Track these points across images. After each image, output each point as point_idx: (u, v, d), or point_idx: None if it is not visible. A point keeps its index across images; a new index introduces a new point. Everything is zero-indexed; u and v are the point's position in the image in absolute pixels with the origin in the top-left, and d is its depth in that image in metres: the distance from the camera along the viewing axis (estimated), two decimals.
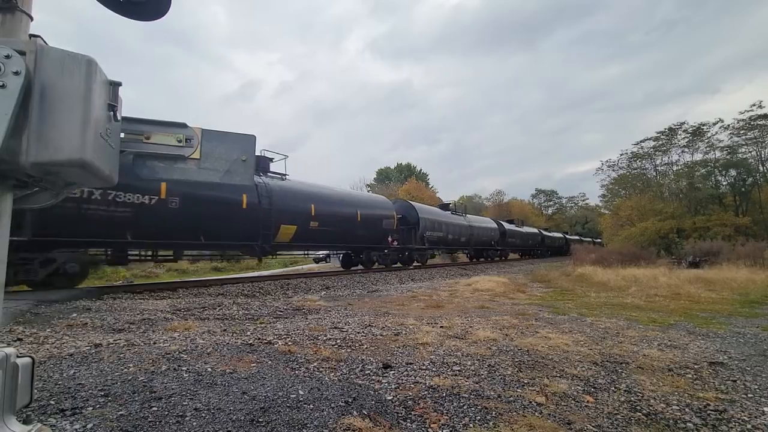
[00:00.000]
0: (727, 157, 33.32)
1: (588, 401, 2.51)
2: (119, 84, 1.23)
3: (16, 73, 1.02)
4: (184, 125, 1.55)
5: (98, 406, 2.25)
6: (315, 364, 3.15)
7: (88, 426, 1.99)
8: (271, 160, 12.22)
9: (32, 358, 1.22)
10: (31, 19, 1.22)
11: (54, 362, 3.08)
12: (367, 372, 2.98)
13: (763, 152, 32.63)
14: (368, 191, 43.38)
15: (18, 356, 1.17)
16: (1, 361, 1.09)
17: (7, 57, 1.02)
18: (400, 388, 2.65)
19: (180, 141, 1.53)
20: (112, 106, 1.22)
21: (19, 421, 1.15)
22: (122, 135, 1.40)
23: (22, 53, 1.04)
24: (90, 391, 2.45)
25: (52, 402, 2.28)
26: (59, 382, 2.61)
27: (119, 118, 1.29)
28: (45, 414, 2.12)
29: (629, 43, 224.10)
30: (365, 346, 3.74)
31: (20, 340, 3.81)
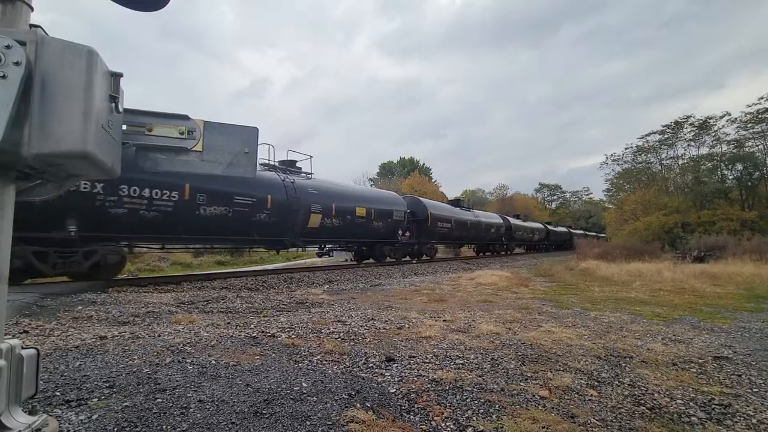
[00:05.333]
0: (734, 150, 32.97)
1: (592, 395, 2.50)
2: (120, 75, 1.22)
3: (17, 64, 1.00)
4: (186, 117, 1.54)
5: (103, 397, 2.26)
6: (318, 357, 3.16)
7: (93, 417, 2.01)
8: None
9: (37, 349, 1.22)
10: (32, 9, 1.21)
11: (60, 354, 3.11)
12: (370, 365, 2.99)
13: None
14: (371, 185, 43.23)
15: (23, 348, 1.17)
16: (6, 353, 1.09)
17: (8, 47, 1.01)
18: (404, 381, 2.65)
19: (182, 133, 1.51)
20: (114, 97, 1.21)
21: (25, 411, 1.16)
22: (124, 127, 1.39)
23: (22, 43, 1.03)
24: (95, 383, 2.47)
25: (58, 393, 2.30)
26: (65, 374, 2.63)
27: (121, 109, 1.28)
28: (51, 405, 2.14)
29: (636, 39, 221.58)
30: (368, 340, 3.75)
31: (26, 332, 3.84)
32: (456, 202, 23.78)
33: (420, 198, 19.53)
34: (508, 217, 29.63)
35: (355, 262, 16.58)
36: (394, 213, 15.52)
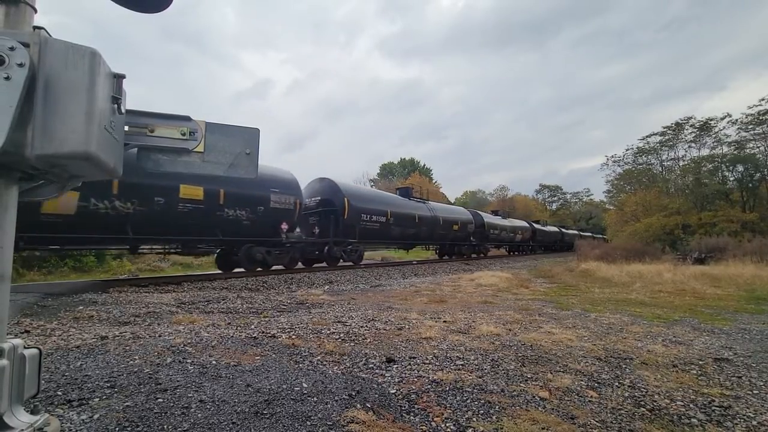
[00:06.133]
0: (735, 152, 32.93)
1: (592, 396, 2.51)
2: (123, 76, 1.23)
3: (21, 65, 1.01)
4: (188, 118, 1.54)
5: (105, 397, 2.27)
6: (319, 357, 3.17)
7: (95, 416, 2.02)
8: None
9: (39, 349, 1.23)
10: (35, 11, 1.22)
11: (61, 354, 3.12)
12: (370, 366, 2.99)
13: None
14: (371, 186, 42.82)
15: (25, 347, 1.18)
16: (9, 352, 1.09)
17: (12, 49, 1.01)
18: (404, 381, 2.66)
19: (184, 134, 1.52)
20: (116, 99, 1.21)
21: (27, 411, 1.16)
22: (126, 128, 1.40)
23: (26, 45, 1.04)
24: (96, 383, 2.47)
25: (60, 393, 2.31)
26: (66, 374, 2.64)
27: (123, 110, 1.29)
28: (52, 404, 2.15)
29: (638, 41, 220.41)
30: (368, 340, 3.75)
31: (28, 332, 3.85)
32: (405, 191, 19.33)
33: (337, 182, 14.14)
34: (481, 214, 25.33)
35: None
36: (271, 199, 10.38)
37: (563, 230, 44.15)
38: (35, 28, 1.19)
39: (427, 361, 3.11)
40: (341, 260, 13.85)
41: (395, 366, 2.99)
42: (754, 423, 2.20)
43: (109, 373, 2.67)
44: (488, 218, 25.63)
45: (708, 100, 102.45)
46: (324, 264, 13.58)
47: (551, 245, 38.95)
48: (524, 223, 33.14)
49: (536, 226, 35.46)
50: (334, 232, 13.21)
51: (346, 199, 13.31)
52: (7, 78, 1.00)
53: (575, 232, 49.32)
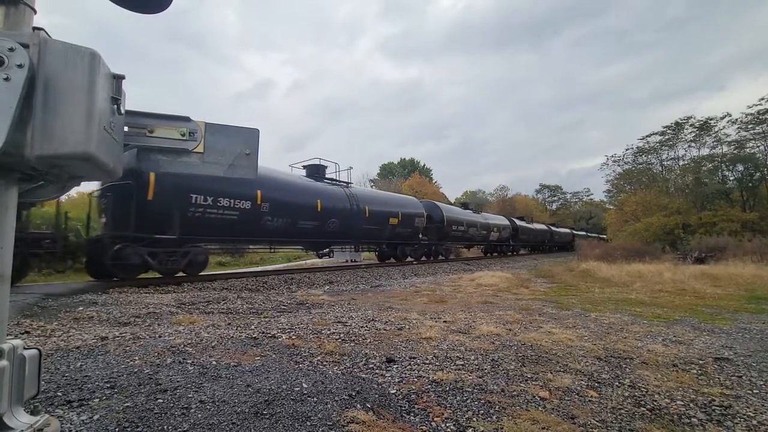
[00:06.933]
0: (735, 151, 32.99)
1: (592, 396, 2.51)
2: (122, 77, 1.23)
3: (20, 66, 1.01)
4: (187, 119, 1.55)
5: (105, 397, 2.27)
6: (319, 357, 3.17)
7: (95, 417, 2.02)
8: None
9: (39, 350, 1.23)
10: (35, 12, 1.22)
11: (61, 355, 3.12)
12: (370, 366, 2.99)
13: None
14: (371, 187, 42.58)
15: (25, 348, 1.18)
16: (9, 353, 1.10)
17: (11, 50, 1.02)
18: (404, 382, 2.65)
19: (183, 135, 1.52)
20: (116, 99, 1.22)
21: (27, 412, 1.16)
22: (126, 129, 1.40)
23: (25, 46, 1.04)
24: (96, 383, 2.47)
25: (60, 393, 2.31)
26: (66, 374, 2.64)
27: (123, 111, 1.29)
28: (52, 405, 2.15)
29: (637, 41, 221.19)
30: (369, 341, 3.75)
31: (28, 333, 3.85)
32: (315, 169, 13.85)
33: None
34: (441, 206, 20.03)
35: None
36: None
37: (553, 228, 39.02)
38: (35, 29, 1.19)
39: (427, 361, 3.11)
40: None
41: (395, 366, 2.99)
42: (755, 422, 2.20)
43: (109, 373, 2.67)
44: (450, 212, 20.28)
45: (707, 99, 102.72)
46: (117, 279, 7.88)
47: (538, 245, 34.92)
48: (503, 220, 28.16)
49: (519, 223, 30.60)
50: (121, 222, 8.04)
51: (149, 177, 7.87)
52: (7, 79, 1.00)
53: (567, 230, 44.74)
